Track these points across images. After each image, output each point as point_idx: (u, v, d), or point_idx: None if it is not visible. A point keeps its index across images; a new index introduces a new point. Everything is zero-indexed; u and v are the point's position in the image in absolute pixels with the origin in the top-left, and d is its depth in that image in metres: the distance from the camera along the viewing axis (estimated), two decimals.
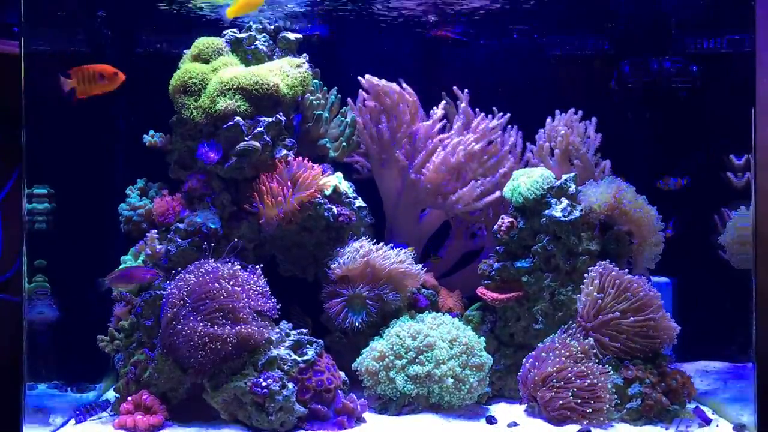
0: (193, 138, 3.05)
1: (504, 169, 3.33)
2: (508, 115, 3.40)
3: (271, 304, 2.76)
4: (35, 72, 2.55)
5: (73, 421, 2.73)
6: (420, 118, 3.39)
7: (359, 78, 3.36)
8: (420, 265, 3.08)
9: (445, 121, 3.40)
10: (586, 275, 2.85)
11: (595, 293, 2.80)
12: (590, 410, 2.65)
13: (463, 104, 3.39)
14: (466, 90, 3.39)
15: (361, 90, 3.41)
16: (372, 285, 2.96)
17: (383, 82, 3.33)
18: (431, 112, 3.39)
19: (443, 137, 3.32)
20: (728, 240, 3.04)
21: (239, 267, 2.75)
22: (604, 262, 2.86)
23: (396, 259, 2.99)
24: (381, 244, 3.06)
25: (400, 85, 3.35)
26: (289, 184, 2.95)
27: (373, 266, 2.95)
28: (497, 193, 3.26)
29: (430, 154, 3.28)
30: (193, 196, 3.02)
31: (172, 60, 3.16)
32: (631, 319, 2.74)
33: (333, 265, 2.99)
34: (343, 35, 3.65)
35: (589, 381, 2.67)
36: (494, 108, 3.41)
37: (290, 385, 2.61)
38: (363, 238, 3.09)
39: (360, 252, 2.97)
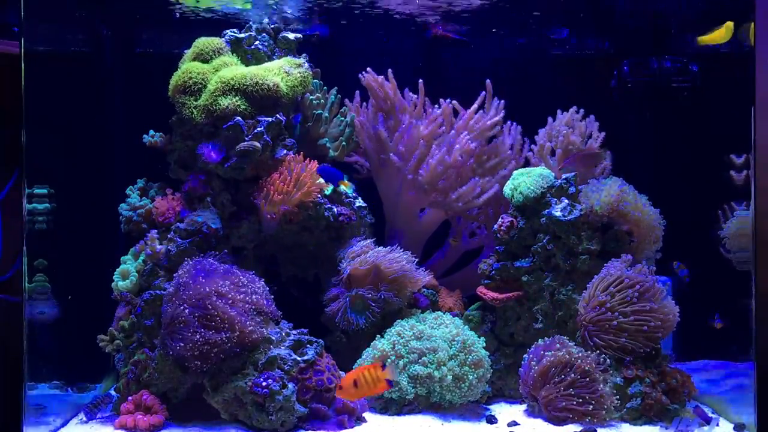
0: (194, 138, 3.04)
1: (505, 171, 3.33)
2: (503, 103, 3.34)
3: (271, 303, 2.77)
4: (35, 72, 2.55)
5: (78, 418, 2.77)
6: (420, 118, 3.39)
7: (360, 75, 3.36)
8: (422, 268, 3.08)
9: (442, 120, 3.39)
10: (596, 276, 2.85)
11: (595, 291, 2.80)
12: (590, 410, 2.65)
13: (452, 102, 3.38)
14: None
15: (357, 90, 3.41)
16: (375, 286, 2.95)
17: (381, 78, 3.33)
18: (430, 111, 3.39)
19: (439, 137, 3.32)
20: (727, 234, 3.05)
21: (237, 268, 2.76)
22: (612, 261, 2.87)
23: (401, 261, 2.99)
24: (386, 246, 3.06)
25: (397, 79, 3.35)
26: (291, 183, 2.95)
27: (378, 267, 2.95)
28: (497, 188, 3.26)
29: (424, 154, 3.27)
30: (194, 196, 3.02)
31: (172, 59, 3.15)
32: (632, 318, 2.74)
33: (343, 265, 2.98)
34: (343, 35, 3.65)
35: (589, 380, 2.67)
36: (496, 99, 3.37)
37: (290, 385, 2.61)
38: (367, 239, 3.09)
39: (369, 254, 2.97)
